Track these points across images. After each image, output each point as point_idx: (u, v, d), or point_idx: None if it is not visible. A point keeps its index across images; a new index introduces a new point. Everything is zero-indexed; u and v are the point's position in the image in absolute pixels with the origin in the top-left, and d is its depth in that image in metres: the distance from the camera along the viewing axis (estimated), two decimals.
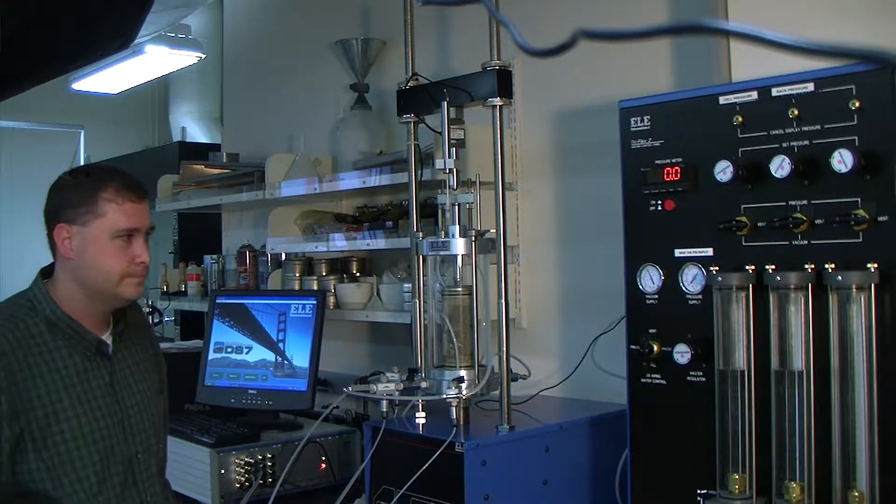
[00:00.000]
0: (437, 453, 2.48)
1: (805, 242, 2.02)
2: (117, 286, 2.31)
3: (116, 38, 2.91)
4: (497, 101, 2.75)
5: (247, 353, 3.62)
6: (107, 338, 2.37)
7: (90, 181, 2.33)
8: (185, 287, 5.10)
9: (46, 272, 2.38)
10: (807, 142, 2.01)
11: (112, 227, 2.30)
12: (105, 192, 2.31)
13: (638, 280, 2.32)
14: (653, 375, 2.30)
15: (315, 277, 4.03)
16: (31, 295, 2.32)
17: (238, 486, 3.14)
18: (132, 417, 2.37)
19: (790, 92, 2.05)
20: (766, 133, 2.08)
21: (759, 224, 2.09)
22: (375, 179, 3.52)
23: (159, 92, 7.74)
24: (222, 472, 3.12)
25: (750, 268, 2.09)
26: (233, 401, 3.58)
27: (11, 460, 2.14)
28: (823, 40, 0.69)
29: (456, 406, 2.64)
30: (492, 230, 2.74)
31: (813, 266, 1.99)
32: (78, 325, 2.29)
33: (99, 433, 2.26)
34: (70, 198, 2.31)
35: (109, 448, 2.27)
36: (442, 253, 2.75)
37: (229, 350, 3.67)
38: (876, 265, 1.90)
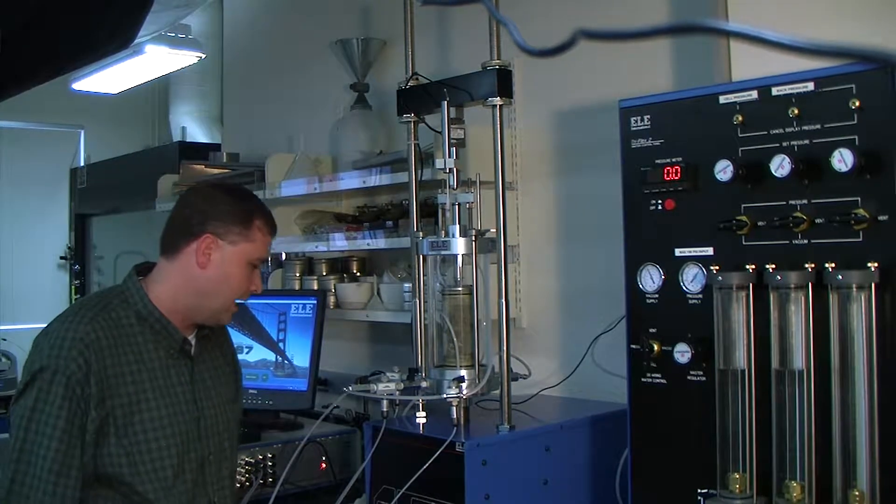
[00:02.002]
0: (438, 453, 2.48)
1: (805, 242, 2.02)
2: (227, 309, 2.42)
3: (116, 37, 2.91)
4: (497, 100, 2.75)
5: (247, 353, 3.62)
6: (191, 339, 2.43)
7: (248, 205, 2.42)
8: None
9: (140, 270, 2.44)
10: (807, 141, 2.02)
11: (254, 254, 2.39)
12: (258, 219, 2.39)
13: (638, 279, 2.33)
14: (653, 375, 2.30)
15: (315, 277, 4.03)
16: (125, 288, 2.38)
17: (239, 485, 3.14)
18: (207, 419, 2.41)
19: (790, 91, 2.05)
20: (766, 132, 2.08)
21: (760, 223, 2.09)
22: (375, 179, 3.52)
23: (159, 92, 7.73)
24: None
25: (750, 267, 2.09)
26: None
27: (94, 443, 2.18)
28: (823, 40, 0.69)
29: (456, 406, 2.64)
30: (492, 230, 2.74)
31: (813, 265, 1.99)
32: (167, 322, 2.34)
33: (178, 427, 2.31)
34: (226, 213, 2.37)
35: (186, 444, 2.32)
36: (442, 252, 2.75)
37: None
38: (876, 264, 1.90)
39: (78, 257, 7.69)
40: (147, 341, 2.31)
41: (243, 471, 3.15)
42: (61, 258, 7.93)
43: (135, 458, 2.22)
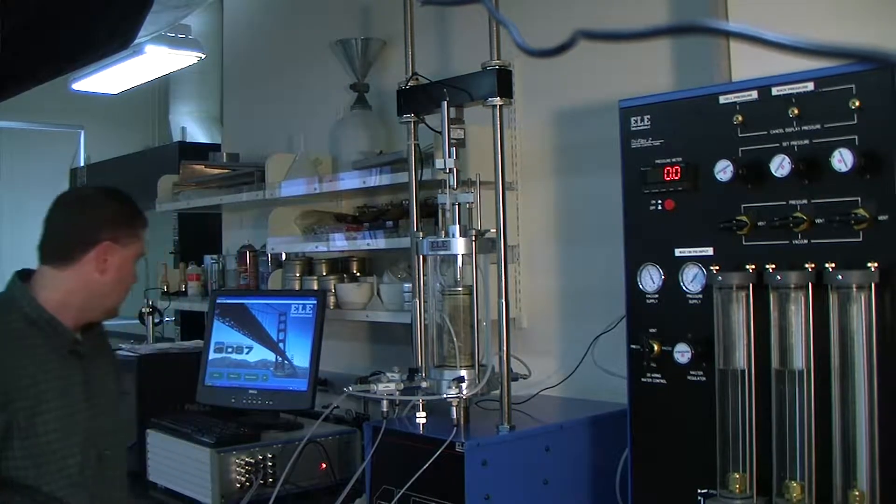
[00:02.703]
0: (438, 453, 2.48)
1: (805, 242, 2.02)
2: (119, 304, 2.54)
3: (116, 37, 2.91)
4: (497, 100, 2.75)
5: (247, 353, 3.62)
6: (79, 338, 2.48)
7: (129, 205, 2.53)
8: (186, 287, 5.10)
9: (23, 276, 2.47)
10: (807, 141, 2.01)
11: (139, 252, 2.53)
12: (139, 218, 2.53)
13: (638, 279, 2.33)
14: (653, 375, 2.30)
15: (315, 277, 4.03)
16: (11, 296, 2.42)
17: (238, 486, 3.14)
18: (101, 417, 2.47)
19: (790, 91, 2.05)
20: (766, 132, 2.08)
21: (760, 223, 2.09)
22: (375, 179, 3.52)
23: (159, 92, 7.74)
24: (223, 472, 3.12)
25: (750, 267, 2.09)
26: (233, 401, 3.58)
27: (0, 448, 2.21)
28: (823, 40, 0.69)
29: (456, 406, 2.65)
30: (492, 230, 2.74)
31: (813, 265, 1.99)
32: (58, 323, 2.39)
33: (77, 427, 2.36)
34: (115, 217, 2.47)
35: (86, 441, 2.37)
36: (442, 253, 2.75)
37: (230, 350, 3.67)
38: (876, 264, 1.90)
39: None
40: (39, 344, 2.35)
41: (243, 471, 3.15)
42: None
43: (39, 460, 2.26)
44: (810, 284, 1.97)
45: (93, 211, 2.48)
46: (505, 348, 2.68)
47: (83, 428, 2.37)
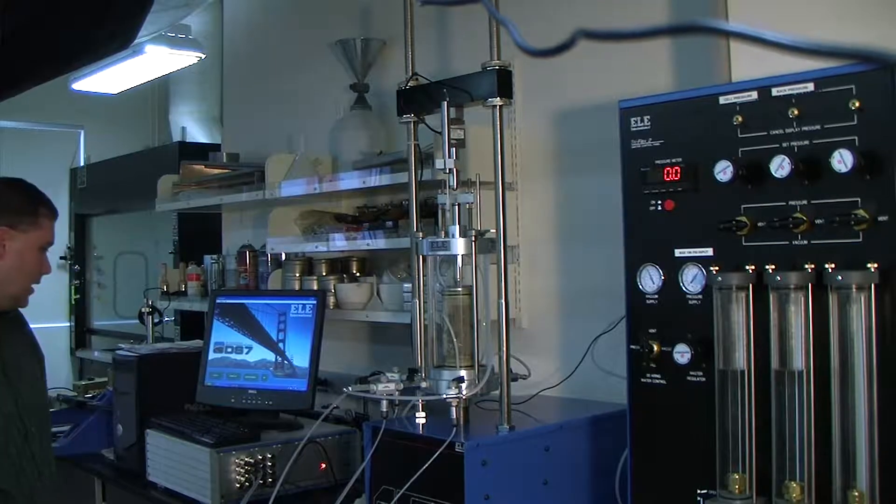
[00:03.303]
0: (438, 453, 2.48)
1: (805, 242, 2.02)
2: (25, 293, 2.73)
3: (116, 37, 2.91)
4: (497, 101, 2.75)
5: (247, 353, 3.62)
6: None
7: (30, 194, 2.74)
8: (185, 287, 5.10)
9: None
10: (807, 142, 2.01)
11: (43, 239, 2.72)
12: (43, 206, 2.72)
13: (638, 280, 2.33)
14: (653, 375, 2.30)
15: (315, 277, 4.03)
16: None
17: (238, 486, 3.14)
18: (24, 398, 2.67)
19: (790, 92, 2.05)
20: (766, 133, 2.08)
21: (759, 224, 2.09)
22: (375, 179, 3.52)
23: (159, 92, 7.72)
24: (222, 472, 3.12)
25: (750, 268, 2.09)
26: (233, 401, 3.58)
27: None
28: (823, 40, 0.69)
29: (456, 406, 2.65)
30: (492, 230, 2.74)
31: (813, 266, 1.99)
32: None
33: None
34: (14, 205, 2.68)
35: (4, 423, 2.57)
36: (442, 253, 2.75)
37: (229, 350, 3.67)
38: (876, 265, 1.90)
39: (78, 257, 7.69)
40: None
41: (243, 471, 3.15)
42: (61, 258, 7.92)
43: None
44: (810, 285, 1.97)
45: None
46: (504, 348, 2.68)
47: (5, 411, 2.57)
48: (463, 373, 2.70)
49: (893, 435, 1.87)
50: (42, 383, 2.87)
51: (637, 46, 2.98)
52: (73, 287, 7.76)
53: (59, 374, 4.48)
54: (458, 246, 2.71)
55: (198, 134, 7.06)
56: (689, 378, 2.22)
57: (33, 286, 2.73)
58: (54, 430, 3.60)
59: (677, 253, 2.25)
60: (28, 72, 3.09)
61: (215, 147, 5.87)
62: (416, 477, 2.52)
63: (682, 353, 2.21)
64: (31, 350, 2.86)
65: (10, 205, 2.67)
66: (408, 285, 3.46)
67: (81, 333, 7.72)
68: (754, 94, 2.11)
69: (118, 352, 3.91)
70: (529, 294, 3.44)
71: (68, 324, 7.78)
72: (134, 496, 3.61)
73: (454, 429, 2.58)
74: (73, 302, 7.76)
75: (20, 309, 2.86)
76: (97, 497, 3.93)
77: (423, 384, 2.74)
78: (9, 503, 2.57)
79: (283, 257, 4.22)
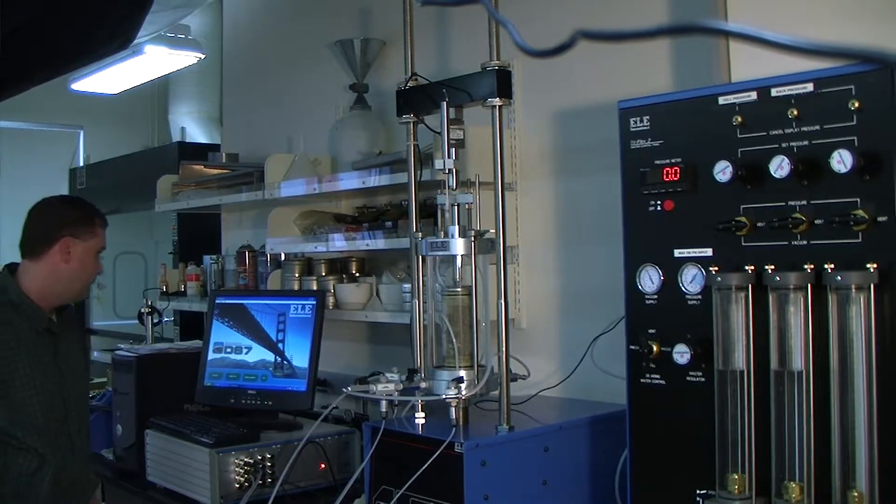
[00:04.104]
0: (437, 453, 2.48)
1: (804, 242, 2.02)
2: (85, 289, 3.33)
3: (116, 38, 2.91)
4: (496, 101, 2.75)
5: (246, 354, 3.62)
6: (54, 319, 3.15)
7: (87, 209, 3.24)
8: (185, 287, 5.10)
9: (11, 268, 3.16)
10: (806, 142, 2.01)
11: (98, 245, 3.22)
12: (98, 218, 3.23)
13: (637, 280, 2.32)
14: (652, 376, 2.30)
15: (314, 278, 4.03)
16: (2, 285, 3.08)
17: (237, 486, 3.14)
18: (69, 384, 3.11)
19: (790, 92, 2.05)
20: (765, 133, 2.08)
21: (759, 224, 2.09)
22: (375, 180, 3.52)
23: (159, 92, 7.73)
24: (222, 472, 3.12)
25: (749, 268, 2.09)
26: (232, 401, 3.58)
27: None
28: (823, 41, 0.69)
29: (455, 406, 2.64)
30: (491, 230, 2.74)
31: (812, 266, 1.99)
32: (36, 307, 3.07)
33: (44, 387, 2.99)
34: (75, 218, 3.16)
35: (50, 401, 3.01)
36: (441, 253, 2.75)
37: (228, 350, 3.67)
38: (875, 265, 1.90)
39: None
40: (22, 324, 3.02)
41: (242, 471, 3.15)
42: None
43: (12, 412, 2.92)
44: (809, 285, 1.97)
45: (55, 214, 3.19)
46: (504, 349, 2.68)
47: (50, 390, 3.00)
48: (462, 373, 2.70)
49: (893, 435, 1.87)
50: (86, 376, 3.41)
51: (636, 47, 2.99)
52: None
53: None
54: (458, 246, 2.71)
55: (197, 134, 7.06)
56: (688, 378, 2.22)
57: (91, 285, 3.31)
58: None
59: (677, 253, 2.25)
60: (28, 72, 3.09)
61: (215, 147, 5.88)
62: (415, 477, 2.52)
63: (681, 354, 2.21)
64: (80, 345, 3.41)
65: (70, 217, 3.15)
66: (407, 285, 3.46)
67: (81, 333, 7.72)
68: (754, 95, 2.11)
69: (117, 352, 3.90)
70: (529, 294, 3.44)
71: None
72: (133, 496, 3.61)
73: (453, 429, 2.58)
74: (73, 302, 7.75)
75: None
76: (97, 497, 3.93)
77: (423, 384, 2.74)
78: (44, 467, 2.95)
79: (283, 257, 4.22)
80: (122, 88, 6.50)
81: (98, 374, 6.17)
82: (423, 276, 2.90)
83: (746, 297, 2.07)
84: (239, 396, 3.57)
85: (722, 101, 2.16)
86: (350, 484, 2.75)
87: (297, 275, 4.08)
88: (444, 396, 2.66)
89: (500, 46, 2.79)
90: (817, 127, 2.00)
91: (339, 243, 3.77)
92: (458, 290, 2.77)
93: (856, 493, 1.88)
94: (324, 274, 4.04)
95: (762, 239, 2.09)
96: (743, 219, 2.10)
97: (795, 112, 2.02)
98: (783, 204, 2.05)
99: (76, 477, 3.13)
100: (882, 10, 2.43)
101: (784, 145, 2.05)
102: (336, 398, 2.86)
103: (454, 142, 2.81)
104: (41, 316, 3.07)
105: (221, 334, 3.71)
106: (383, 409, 2.67)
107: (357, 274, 4.07)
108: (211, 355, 3.70)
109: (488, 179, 2.74)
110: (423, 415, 2.71)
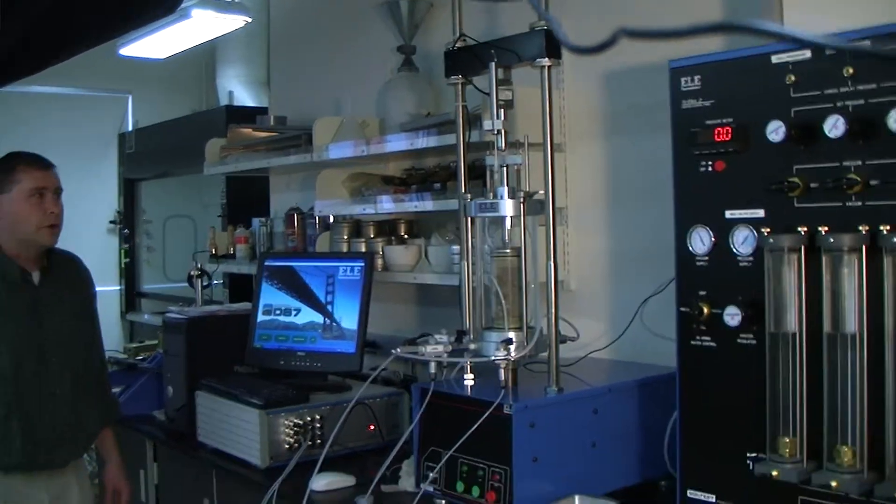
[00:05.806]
0: (486, 415, 2.49)
1: (859, 203, 1.99)
2: (38, 232, 3.24)
3: (163, 2, 2.92)
4: (545, 61, 2.73)
5: (295, 316, 3.65)
6: (35, 272, 3.28)
7: (5, 160, 3.26)
8: (234, 250, 5.14)
9: None
10: (862, 101, 1.98)
11: (27, 188, 3.21)
12: (18, 161, 3.25)
13: (688, 241, 2.30)
14: (702, 338, 2.28)
15: (363, 240, 4.05)
16: None
17: (287, 447, 3.17)
18: (49, 331, 3.24)
19: None
20: (819, 92, 2.05)
21: (812, 185, 2.06)
22: (423, 141, 3.51)
23: (206, 56, 7.74)
24: (271, 433, 3.15)
25: (802, 229, 2.06)
26: (282, 363, 3.61)
27: None
28: (864, 44, 0.68)
29: (504, 368, 2.65)
30: (540, 192, 2.73)
31: (867, 228, 1.96)
32: (8, 260, 3.22)
33: (11, 333, 3.15)
34: None
35: (21, 350, 3.16)
36: (490, 214, 2.75)
37: (278, 312, 3.69)
38: None
39: (127, 221, 7.78)
40: None
41: (291, 432, 3.18)
42: (111, 222, 8.01)
43: None
44: (864, 247, 1.94)
45: None
46: (553, 310, 2.68)
47: (23, 335, 3.17)
48: (511, 334, 2.70)
49: None
50: (78, 325, 3.40)
51: (688, 5, 2.95)
52: (122, 251, 7.84)
53: (110, 336, 4.51)
54: (507, 207, 2.70)
55: (245, 97, 7.08)
56: (739, 340, 2.20)
57: (47, 226, 3.24)
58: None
59: (728, 214, 2.23)
60: (76, 37, 3.11)
61: (262, 110, 5.89)
62: (464, 438, 2.53)
63: (732, 316, 2.20)
64: (76, 296, 3.44)
65: None
66: (456, 247, 3.46)
67: (131, 297, 7.82)
68: (808, 53, 2.07)
69: (168, 314, 3.95)
70: (578, 256, 3.42)
71: (119, 287, 7.88)
72: (185, 456, 3.66)
73: (502, 391, 2.59)
74: (123, 266, 7.85)
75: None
76: (148, 457, 3.99)
77: (472, 346, 2.74)
78: (11, 415, 3.12)
79: (331, 220, 4.23)
80: (170, 53, 6.51)
81: (149, 336, 6.25)
82: (471, 237, 2.90)
83: (799, 258, 2.04)
84: (288, 358, 3.59)
85: (775, 59, 2.13)
86: (399, 445, 2.77)
87: (345, 237, 4.10)
88: (492, 358, 2.66)
89: (549, 5, 2.76)
90: (874, 85, 1.96)
91: (387, 205, 3.77)
92: (507, 251, 2.77)
93: None
94: (372, 236, 4.05)
95: (815, 200, 2.06)
96: (796, 179, 2.07)
97: (851, 70, 1.98)
98: (837, 164, 2.02)
99: (57, 423, 3.24)
100: None
101: (839, 104, 2.01)
102: (385, 360, 2.87)
103: (502, 103, 2.79)
104: (11, 267, 3.22)
105: (271, 296, 3.73)
106: (432, 371, 2.68)
107: (405, 236, 4.07)
108: (260, 317, 3.72)
109: (537, 140, 2.73)
110: (471, 376, 2.71)
